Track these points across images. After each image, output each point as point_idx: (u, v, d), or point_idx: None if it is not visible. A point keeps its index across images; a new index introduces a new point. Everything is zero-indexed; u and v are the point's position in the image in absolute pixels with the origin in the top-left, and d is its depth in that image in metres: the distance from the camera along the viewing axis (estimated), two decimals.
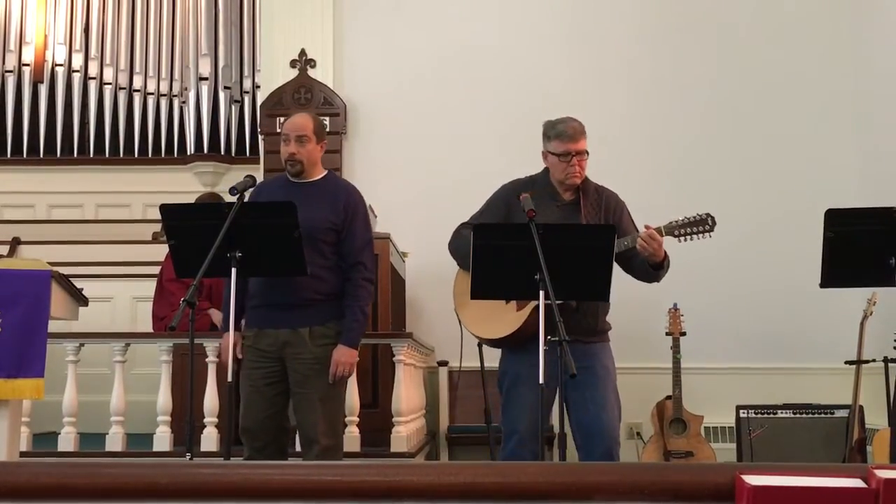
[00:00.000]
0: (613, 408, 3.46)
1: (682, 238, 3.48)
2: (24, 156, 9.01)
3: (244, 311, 3.71)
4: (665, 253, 3.46)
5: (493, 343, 3.61)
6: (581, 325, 3.43)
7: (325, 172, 3.82)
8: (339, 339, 3.61)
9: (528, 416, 3.40)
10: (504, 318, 3.49)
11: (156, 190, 8.20)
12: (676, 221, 3.48)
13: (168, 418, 4.70)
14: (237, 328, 3.65)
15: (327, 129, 4.26)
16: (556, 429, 3.29)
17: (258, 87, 8.03)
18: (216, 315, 5.25)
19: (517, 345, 3.48)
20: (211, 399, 4.64)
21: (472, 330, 3.63)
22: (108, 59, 9.10)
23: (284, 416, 3.67)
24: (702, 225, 3.47)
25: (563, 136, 3.51)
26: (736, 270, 6.34)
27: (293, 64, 6.76)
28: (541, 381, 3.04)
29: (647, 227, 3.42)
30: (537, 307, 3.28)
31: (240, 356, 3.64)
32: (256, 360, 3.62)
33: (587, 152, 3.55)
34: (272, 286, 3.59)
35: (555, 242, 3.12)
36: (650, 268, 3.47)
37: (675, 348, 5.62)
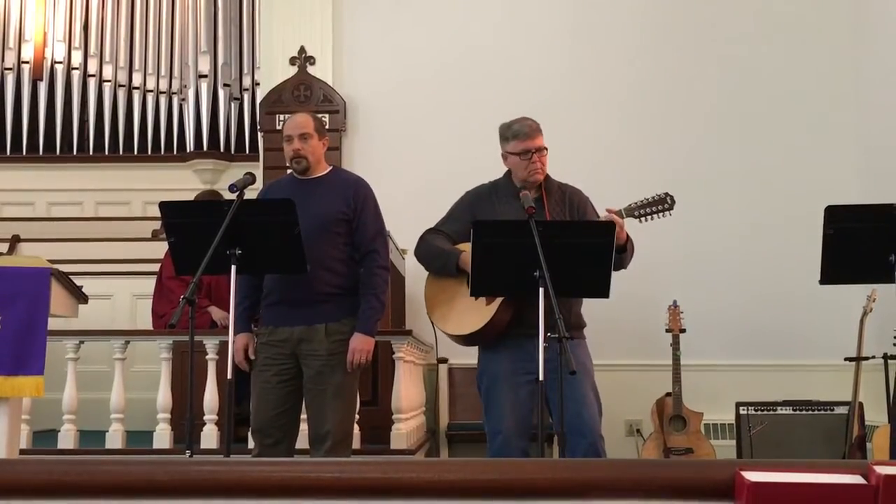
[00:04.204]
0: (593, 404, 3.44)
1: (642, 219, 3.51)
2: (24, 153, 8.97)
3: (259, 306, 3.70)
4: (628, 236, 3.48)
5: (464, 340, 3.56)
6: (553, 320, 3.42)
7: (330, 168, 3.83)
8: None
9: (511, 414, 3.40)
10: (472, 313, 3.48)
11: (155, 187, 8.19)
12: (636, 203, 3.52)
13: (168, 415, 4.71)
14: (248, 329, 3.66)
15: (327, 126, 4.26)
16: (555, 427, 3.28)
17: (258, 84, 8.02)
18: (216, 312, 5.26)
19: (490, 342, 3.48)
20: (211, 396, 4.64)
21: (443, 328, 3.59)
22: (107, 57, 9.07)
23: (296, 413, 3.66)
24: (661, 204, 3.51)
25: (520, 135, 3.58)
26: (736, 267, 6.34)
27: (293, 61, 6.76)
28: (541, 377, 3.03)
29: (607, 210, 3.44)
30: (505, 302, 3.31)
31: (252, 356, 3.64)
32: (270, 358, 3.61)
33: (546, 148, 3.60)
34: (287, 282, 3.58)
35: (554, 239, 3.12)
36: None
37: (675, 345, 5.61)
